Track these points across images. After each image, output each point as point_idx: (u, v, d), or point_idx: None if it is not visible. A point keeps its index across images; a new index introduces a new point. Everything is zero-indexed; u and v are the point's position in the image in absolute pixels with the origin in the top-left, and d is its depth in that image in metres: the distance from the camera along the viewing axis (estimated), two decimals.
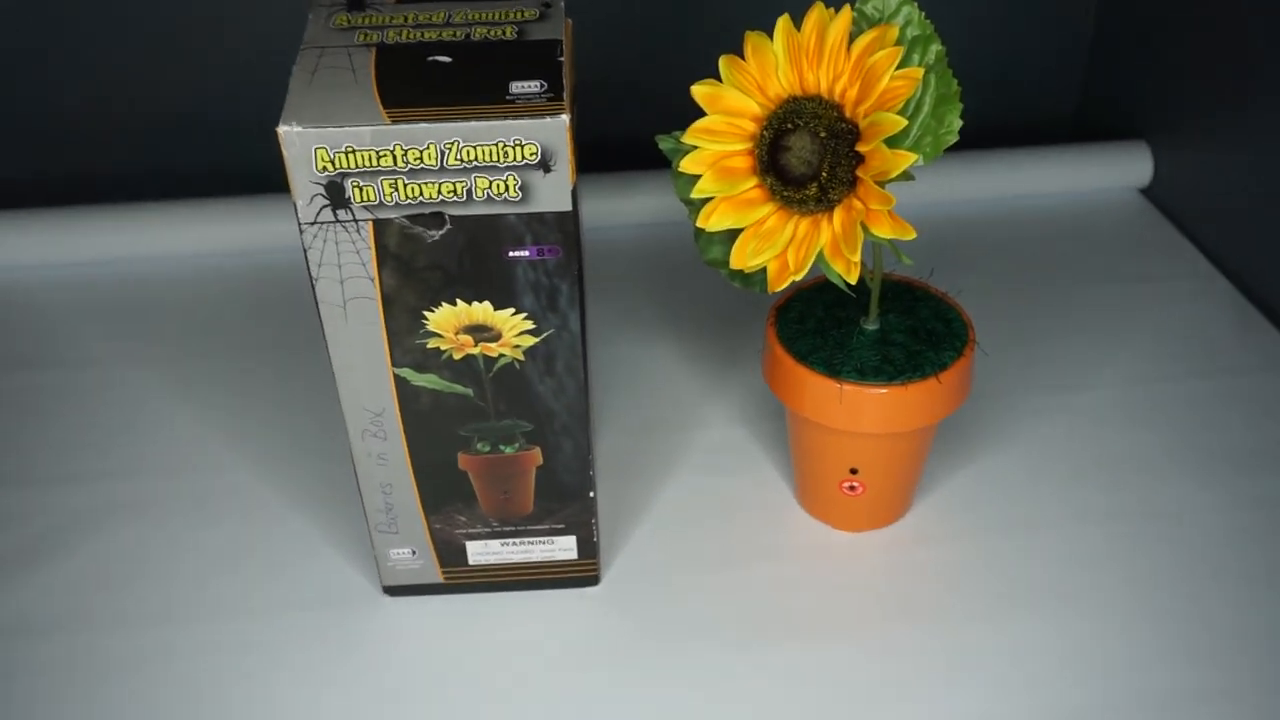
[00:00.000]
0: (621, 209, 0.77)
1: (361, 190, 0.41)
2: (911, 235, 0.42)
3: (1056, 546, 0.55)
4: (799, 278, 0.44)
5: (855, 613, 0.52)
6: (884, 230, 0.42)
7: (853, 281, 0.43)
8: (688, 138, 0.45)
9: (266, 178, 0.74)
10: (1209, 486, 0.58)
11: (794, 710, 0.48)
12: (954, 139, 0.44)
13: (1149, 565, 0.54)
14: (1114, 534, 0.56)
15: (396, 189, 0.41)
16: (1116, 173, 0.79)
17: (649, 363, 0.67)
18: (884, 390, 0.49)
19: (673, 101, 0.51)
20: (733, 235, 0.46)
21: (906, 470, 0.54)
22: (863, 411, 0.50)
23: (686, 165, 0.45)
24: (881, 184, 0.42)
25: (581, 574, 0.53)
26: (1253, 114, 0.69)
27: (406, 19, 0.45)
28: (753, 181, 0.45)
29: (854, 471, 0.53)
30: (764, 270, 0.47)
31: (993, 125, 0.85)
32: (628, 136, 0.73)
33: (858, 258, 0.42)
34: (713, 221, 0.45)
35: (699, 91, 0.45)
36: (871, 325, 0.52)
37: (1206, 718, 0.48)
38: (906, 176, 0.42)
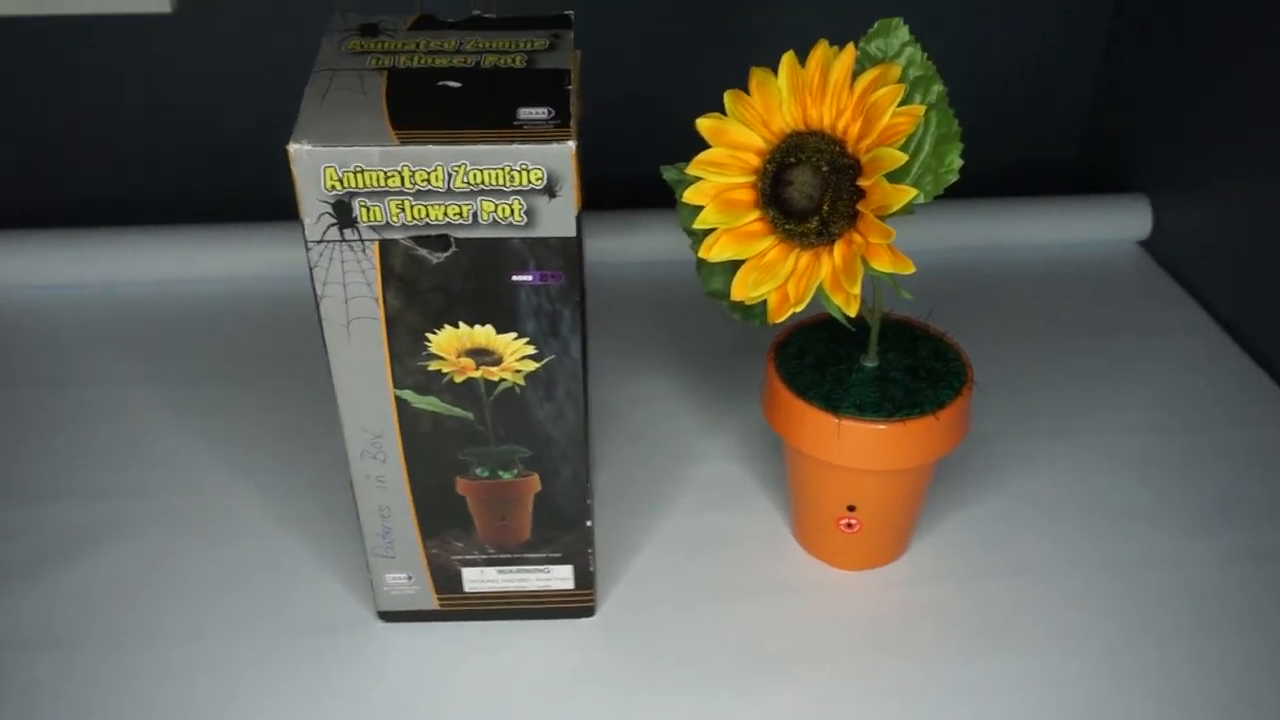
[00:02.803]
0: (625, 247, 0.78)
1: (369, 210, 0.42)
2: (911, 270, 0.42)
3: (1051, 591, 0.55)
4: (799, 309, 0.44)
5: (851, 650, 0.52)
6: (884, 264, 0.43)
7: (852, 314, 0.43)
8: (692, 169, 0.46)
9: (271, 203, 0.75)
10: (1203, 537, 0.58)
11: None
12: (954, 178, 0.45)
13: (1141, 613, 0.54)
14: (1107, 581, 0.56)
15: (403, 210, 0.42)
16: (1116, 225, 0.80)
17: (648, 397, 0.67)
18: (882, 426, 0.49)
19: (678, 135, 0.52)
20: (734, 267, 0.46)
21: (904, 508, 0.54)
22: (861, 447, 0.50)
23: (690, 196, 0.45)
24: (882, 218, 0.43)
25: (577, 604, 0.53)
26: (1252, 169, 0.70)
27: (419, 45, 0.46)
28: (755, 214, 0.45)
29: (851, 509, 0.53)
30: (764, 303, 0.48)
31: (993, 176, 0.86)
32: (632, 175, 0.74)
33: (857, 290, 0.43)
34: (714, 252, 0.45)
35: (704, 125, 0.45)
36: (871, 362, 0.52)
37: None
38: (907, 211, 0.43)
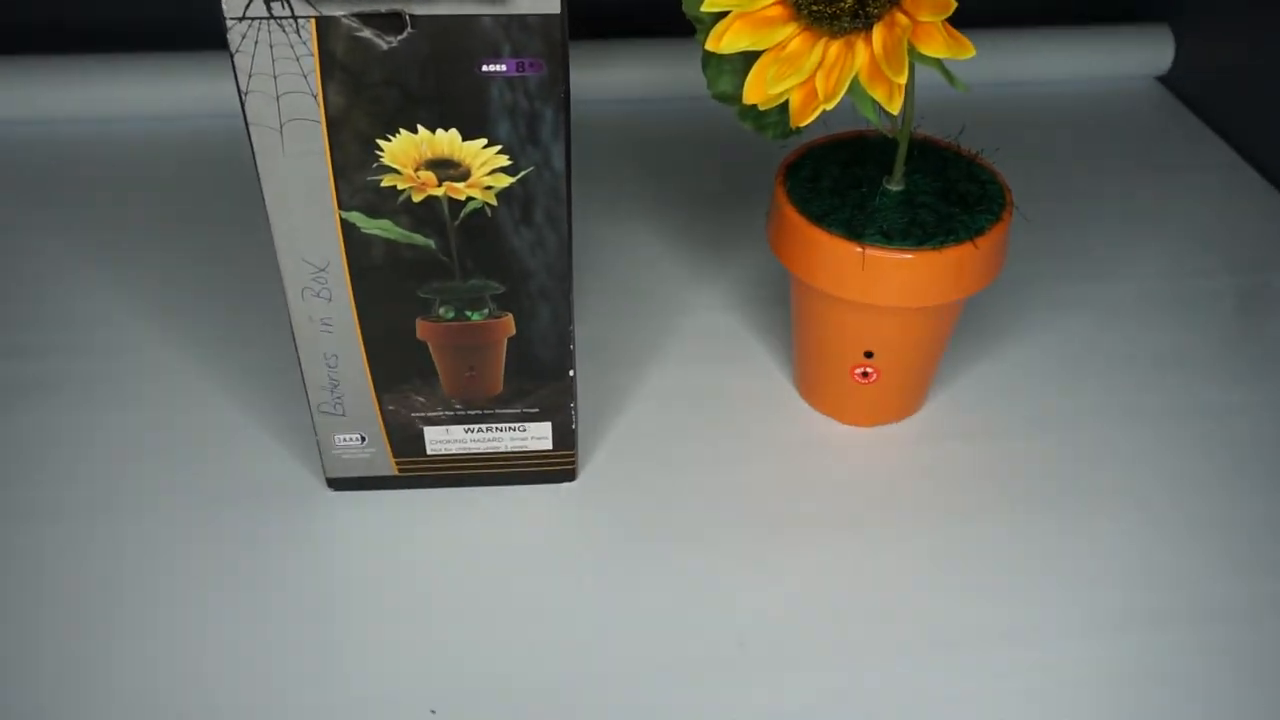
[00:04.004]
0: (606, 80, 0.70)
1: None
2: (971, 53, 0.35)
3: (1082, 446, 0.49)
4: (829, 107, 0.37)
5: (861, 513, 0.46)
6: (937, 48, 0.35)
7: (895, 110, 0.36)
8: None
9: (200, 33, 0.66)
10: (1245, 385, 0.52)
11: (795, 626, 0.42)
12: None
13: (1181, 467, 0.48)
14: (1145, 434, 0.50)
15: None
16: (1136, 57, 0.73)
17: (631, 245, 0.60)
18: (912, 255, 0.43)
19: None
20: (748, 62, 0.39)
21: (927, 355, 0.48)
22: (886, 281, 0.43)
23: None
24: None
25: (556, 467, 0.47)
26: None
27: None
28: None
29: (869, 355, 0.47)
30: (781, 111, 0.40)
31: (1005, 4, 0.78)
32: None
33: (904, 79, 0.36)
34: (725, 42, 0.38)
35: None
36: (896, 185, 0.45)
37: (1236, 629, 0.42)
38: None
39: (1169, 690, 0.40)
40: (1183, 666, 0.41)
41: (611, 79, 0.70)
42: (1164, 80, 0.74)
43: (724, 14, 0.38)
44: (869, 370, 0.47)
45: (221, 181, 0.63)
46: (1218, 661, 0.41)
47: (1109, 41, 0.73)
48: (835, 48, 0.37)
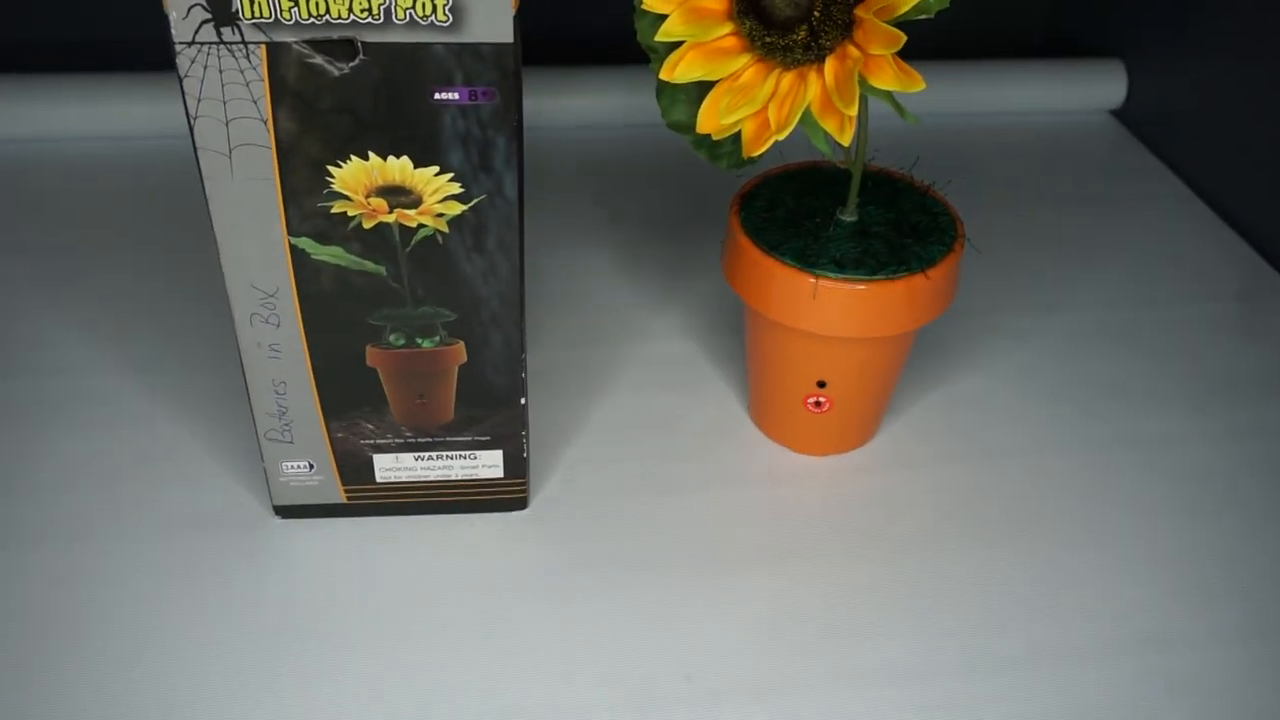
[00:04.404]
0: (561, 107, 0.70)
1: (253, 3, 0.33)
2: (921, 86, 0.35)
3: (1031, 474, 0.49)
4: (781, 138, 0.37)
5: (814, 544, 0.46)
6: (887, 80, 0.35)
7: (846, 142, 0.36)
8: None
9: (149, 52, 0.65)
10: (1190, 413, 0.53)
11: (744, 658, 0.42)
12: None
13: (1127, 493, 0.49)
14: (1092, 461, 0.50)
15: (296, 4, 0.34)
16: (1090, 92, 0.74)
17: (586, 272, 0.60)
18: (864, 286, 0.43)
19: None
20: (701, 92, 0.39)
21: (879, 385, 0.48)
22: (838, 311, 0.43)
23: (651, 3, 0.38)
24: (888, 23, 0.35)
25: (507, 496, 0.46)
26: (1230, 33, 0.63)
27: None
28: (728, 26, 0.38)
29: (822, 385, 0.47)
30: (735, 141, 0.40)
31: (960, 38, 0.79)
32: (570, 24, 0.66)
33: (854, 112, 0.36)
34: (679, 72, 0.38)
35: None
36: (849, 216, 0.45)
37: (1200, 657, 0.42)
38: (922, 11, 0.35)
39: (1131, 717, 0.40)
40: (1143, 694, 0.41)
41: (567, 105, 0.70)
42: (1117, 114, 0.75)
43: (678, 44, 0.38)
44: (822, 400, 0.47)
45: (167, 203, 0.63)
46: (1178, 687, 0.41)
47: (1064, 75, 0.74)
48: (788, 79, 0.37)
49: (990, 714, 0.40)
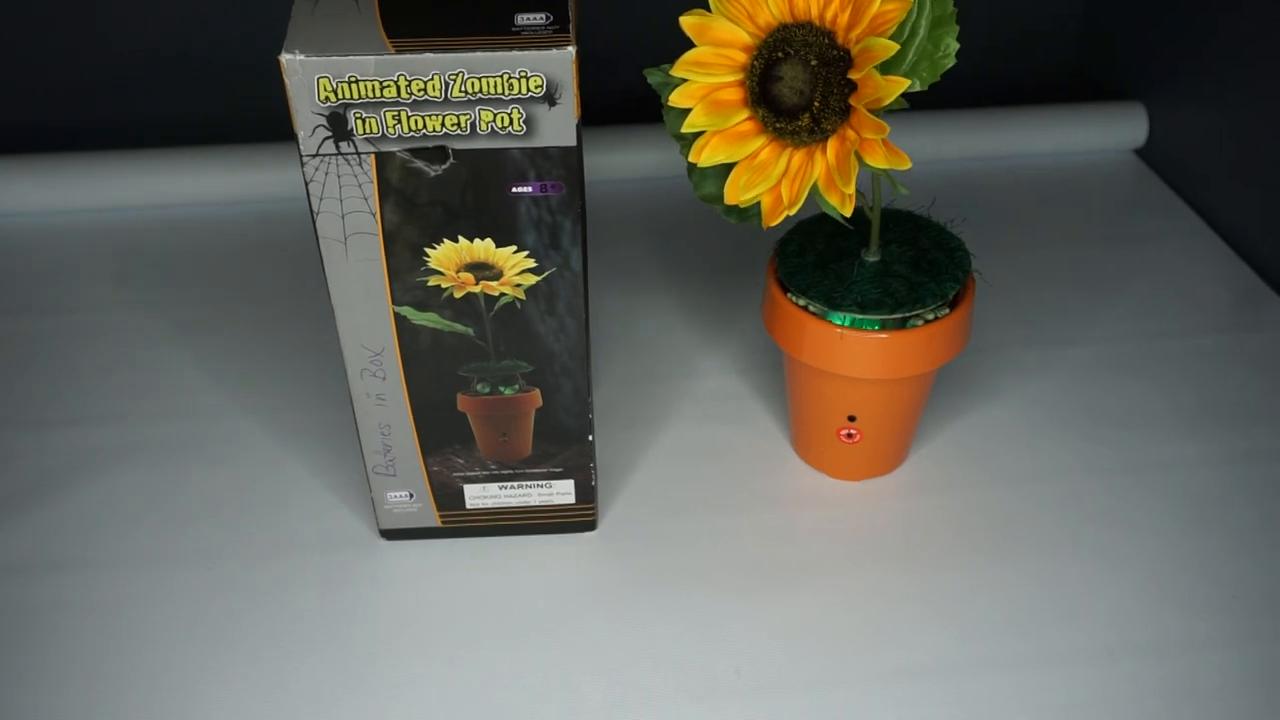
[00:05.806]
0: (619, 163, 0.77)
1: (364, 122, 0.41)
2: (907, 165, 0.42)
3: (1050, 497, 0.55)
4: (793, 212, 0.44)
5: (850, 561, 0.52)
6: (878, 160, 0.42)
7: (847, 214, 0.43)
8: (676, 70, 0.44)
9: (267, 125, 0.74)
10: (1202, 440, 0.58)
11: (787, 656, 0.49)
12: (951, 63, 0.43)
13: (1142, 516, 0.54)
14: (1108, 486, 0.56)
15: (400, 121, 0.41)
16: (1112, 133, 0.79)
17: (645, 314, 0.67)
18: (884, 336, 0.49)
19: (667, 33, 0.50)
20: (727, 170, 0.45)
21: (904, 418, 0.54)
22: (863, 356, 0.50)
23: (676, 99, 0.44)
24: (875, 112, 0.42)
25: (579, 519, 0.54)
26: (1249, 75, 0.69)
27: None
28: (744, 114, 0.45)
29: (852, 419, 0.53)
30: (760, 204, 0.47)
31: (987, 83, 0.84)
32: (625, 88, 0.73)
33: (852, 190, 0.42)
34: (704, 157, 0.45)
35: (687, 22, 0.44)
36: (872, 257, 0.51)
37: (1196, 665, 0.48)
38: (901, 104, 0.42)
39: (1130, 717, 0.46)
40: (1143, 694, 0.47)
41: (625, 160, 0.77)
42: (1140, 153, 0.81)
43: (702, 132, 0.45)
44: (853, 432, 0.54)
45: (285, 262, 0.71)
46: (1174, 691, 0.47)
47: (1087, 118, 0.79)
48: (799, 157, 0.44)
49: (1004, 709, 0.46)
